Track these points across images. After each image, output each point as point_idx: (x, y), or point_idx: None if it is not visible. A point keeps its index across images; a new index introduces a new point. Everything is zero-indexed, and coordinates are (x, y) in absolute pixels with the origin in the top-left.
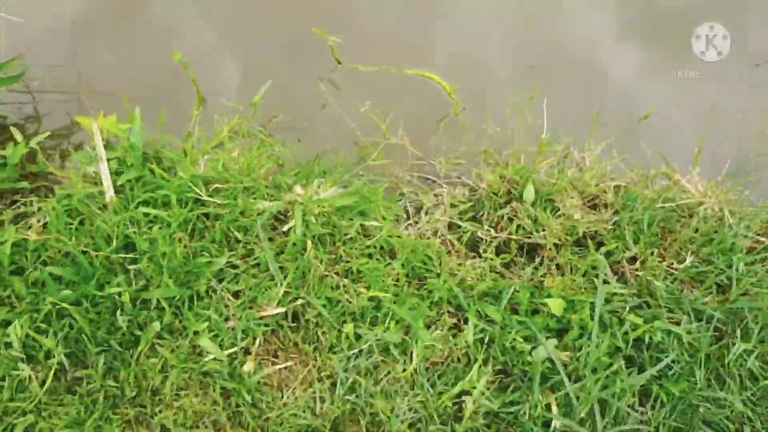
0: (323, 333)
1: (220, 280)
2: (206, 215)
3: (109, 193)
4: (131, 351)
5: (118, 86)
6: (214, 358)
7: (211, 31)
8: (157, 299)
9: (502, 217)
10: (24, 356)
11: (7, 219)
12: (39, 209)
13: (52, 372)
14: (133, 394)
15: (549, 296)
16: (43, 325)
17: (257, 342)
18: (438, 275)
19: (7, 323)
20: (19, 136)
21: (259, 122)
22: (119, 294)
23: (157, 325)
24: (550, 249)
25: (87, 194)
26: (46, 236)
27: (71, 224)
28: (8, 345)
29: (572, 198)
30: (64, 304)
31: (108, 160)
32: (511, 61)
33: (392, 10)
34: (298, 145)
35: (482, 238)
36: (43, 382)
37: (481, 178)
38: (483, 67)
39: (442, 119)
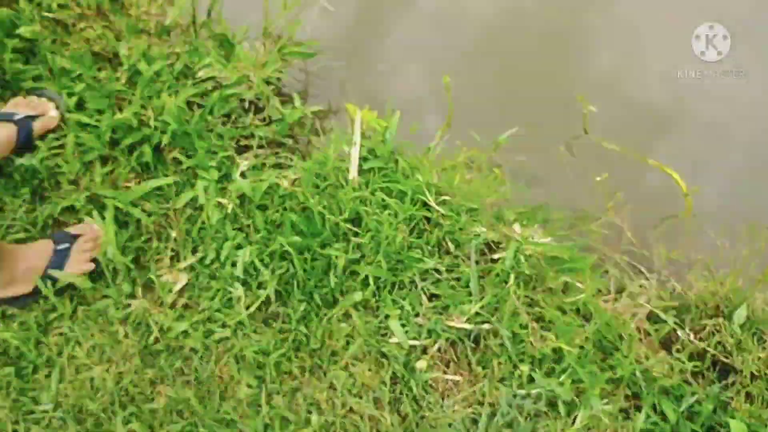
0: (499, 363)
1: (423, 279)
2: (428, 219)
3: (353, 173)
4: (327, 310)
5: (380, 92)
6: (398, 343)
7: (479, 69)
8: (366, 275)
9: (704, 327)
10: (241, 278)
11: (269, 164)
12: (295, 165)
13: (259, 300)
14: (317, 346)
15: (732, 417)
16: (267, 259)
17: (437, 346)
18: (625, 356)
19: (239, 247)
20: (298, 102)
21: (496, 158)
22: (336, 257)
23: (359, 295)
24: (745, 376)
25: (336, 166)
26: (295, 188)
27: (318, 186)
28: (233, 264)
29: None
30: (291, 249)
31: (361, 146)
32: (757, 182)
33: (649, 101)
34: (527, 190)
35: (678, 338)
36: (248, 307)
37: (691, 286)
38: (725, 177)
39: (668, 216)
